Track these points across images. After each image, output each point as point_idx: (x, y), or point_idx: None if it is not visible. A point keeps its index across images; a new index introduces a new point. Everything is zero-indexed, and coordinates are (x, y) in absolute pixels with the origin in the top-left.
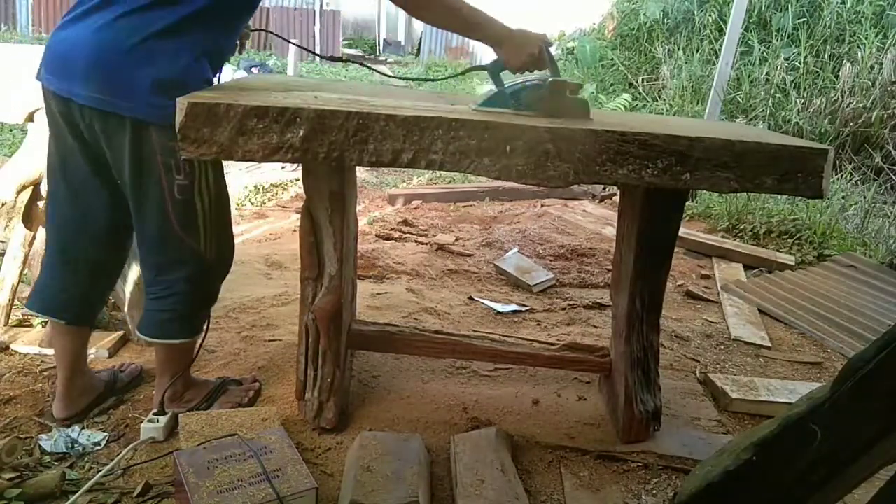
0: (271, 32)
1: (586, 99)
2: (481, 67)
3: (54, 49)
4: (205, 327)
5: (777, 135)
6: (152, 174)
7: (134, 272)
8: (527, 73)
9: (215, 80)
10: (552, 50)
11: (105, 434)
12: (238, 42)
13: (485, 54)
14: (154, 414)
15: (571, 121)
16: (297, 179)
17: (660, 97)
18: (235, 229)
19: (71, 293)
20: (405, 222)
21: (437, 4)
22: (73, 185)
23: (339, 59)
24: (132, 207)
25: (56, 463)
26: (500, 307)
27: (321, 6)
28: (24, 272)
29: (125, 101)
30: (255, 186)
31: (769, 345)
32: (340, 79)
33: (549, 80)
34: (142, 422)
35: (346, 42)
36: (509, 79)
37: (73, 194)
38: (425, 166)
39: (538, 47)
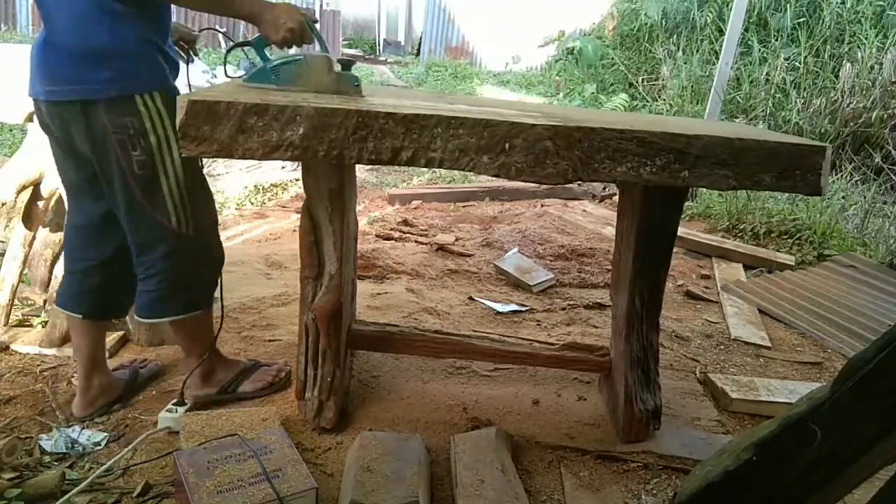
0: (220, 31)
1: (356, 75)
2: (245, 43)
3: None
4: (208, 308)
5: (776, 133)
6: (109, 152)
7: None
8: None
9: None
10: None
11: (105, 434)
12: (186, 46)
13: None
14: (173, 404)
15: (329, 97)
16: (297, 179)
17: (660, 97)
18: (235, 229)
19: (86, 290)
20: (405, 222)
21: None
22: (69, 184)
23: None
24: (105, 191)
25: (56, 463)
26: (500, 307)
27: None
28: (24, 272)
29: (69, 85)
30: (255, 186)
31: (769, 345)
32: None
33: (309, 55)
34: (141, 422)
35: (346, 42)
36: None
37: (72, 193)
38: (424, 164)
39: (298, 22)
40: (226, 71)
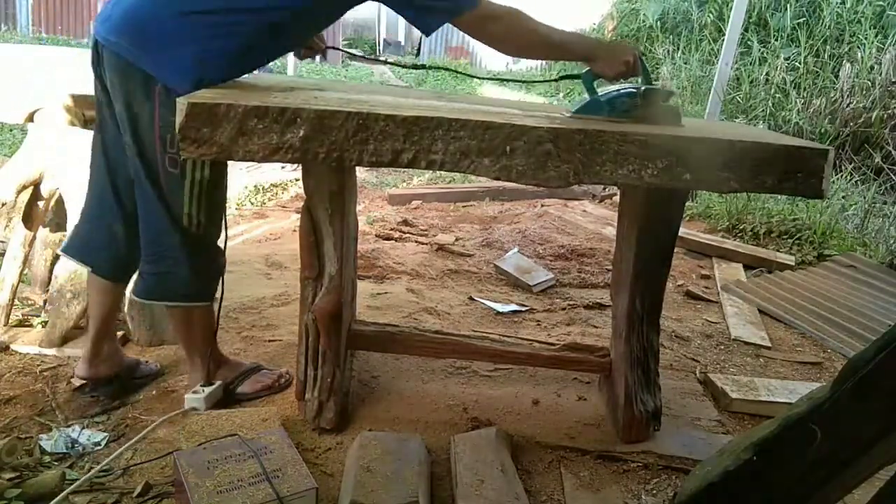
0: (341, 50)
1: (677, 107)
2: (575, 76)
3: (107, 6)
4: (210, 302)
5: (777, 135)
6: (148, 134)
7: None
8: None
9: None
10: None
11: (105, 434)
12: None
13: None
14: (201, 385)
15: (668, 128)
16: (297, 179)
17: None
18: (236, 229)
19: (105, 244)
20: (405, 222)
21: (535, 45)
22: (106, 136)
23: (380, 61)
24: (130, 165)
25: (56, 463)
26: (500, 307)
27: None
28: (24, 272)
29: (147, 54)
30: (255, 186)
31: (769, 345)
32: (341, 79)
33: (644, 88)
34: (142, 422)
35: (346, 42)
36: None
37: (105, 147)
38: (425, 166)
39: (633, 56)
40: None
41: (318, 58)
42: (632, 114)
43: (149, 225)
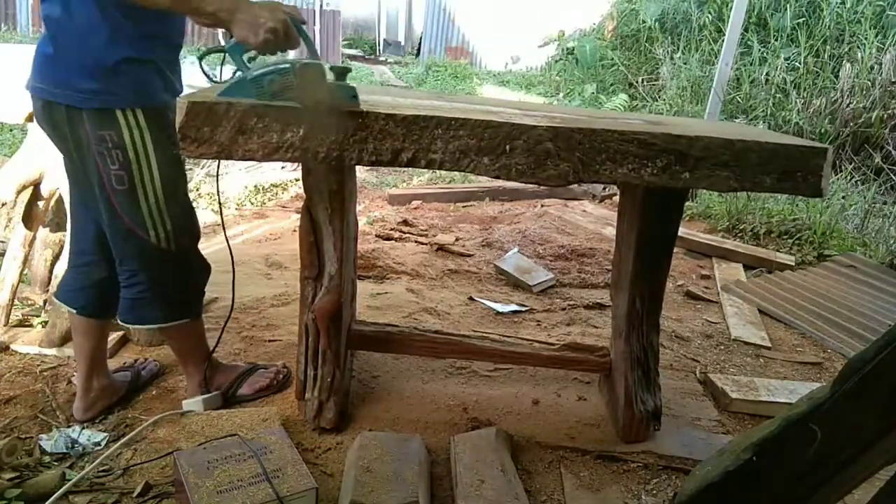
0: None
1: (353, 86)
2: (218, 49)
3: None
4: (194, 318)
5: (776, 134)
6: (90, 162)
7: None
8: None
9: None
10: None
11: (105, 434)
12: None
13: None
14: (200, 395)
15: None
16: (297, 179)
17: (659, 97)
18: (236, 229)
19: (88, 284)
20: (405, 222)
21: None
22: (73, 179)
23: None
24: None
25: (56, 463)
26: (500, 307)
27: (321, 6)
28: (24, 272)
29: (58, 88)
30: (255, 186)
31: (769, 345)
32: None
33: (300, 63)
34: (142, 422)
35: (346, 42)
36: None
37: (75, 187)
38: (425, 165)
39: (281, 21)
40: (206, 73)
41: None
42: (286, 95)
43: (115, 250)
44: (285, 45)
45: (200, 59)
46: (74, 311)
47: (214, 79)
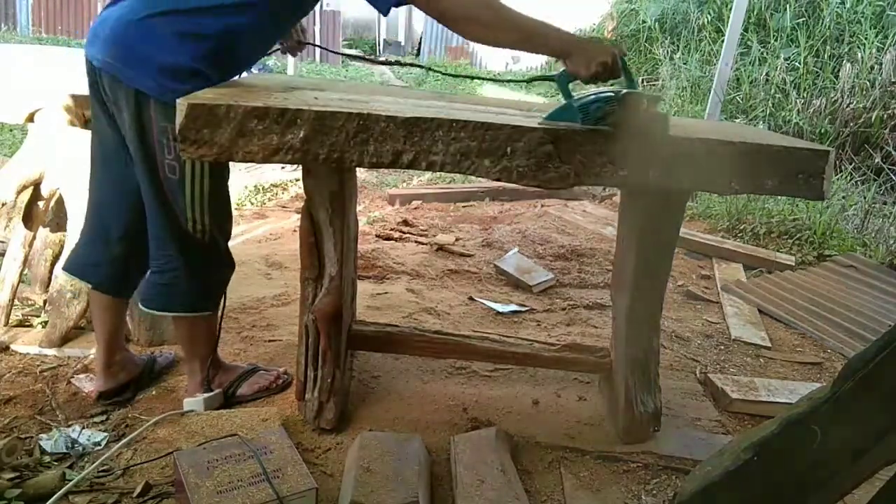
0: (320, 47)
1: (664, 113)
2: (548, 77)
3: (93, 25)
4: (214, 311)
5: (777, 135)
6: (149, 148)
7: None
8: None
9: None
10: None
11: (105, 434)
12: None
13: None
14: (201, 393)
15: (652, 137)
16: (297, 179)
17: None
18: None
19: (105, 260)
20: (405, 222)
21: (500, 28)
22: (105, 152)
23: (384, 62)
24: (138, 176)
25: (56, 463)
26: (500, 307)
27: (321, 6)
28: (24, 272)
29: (131, 70)
30: (255, 186)
31: (769, 345)
32: (341, 79)
33: (623, 92)
34: (142, 422)
35: (346, 42)
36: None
37: (105, 161)
38: (426, 168)
39: (612, 56)
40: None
41: (317, 58)
42: (608, 121)
43: (154, 233)
44: (611, 77)
45: (531, 80)
46: (90, 286)
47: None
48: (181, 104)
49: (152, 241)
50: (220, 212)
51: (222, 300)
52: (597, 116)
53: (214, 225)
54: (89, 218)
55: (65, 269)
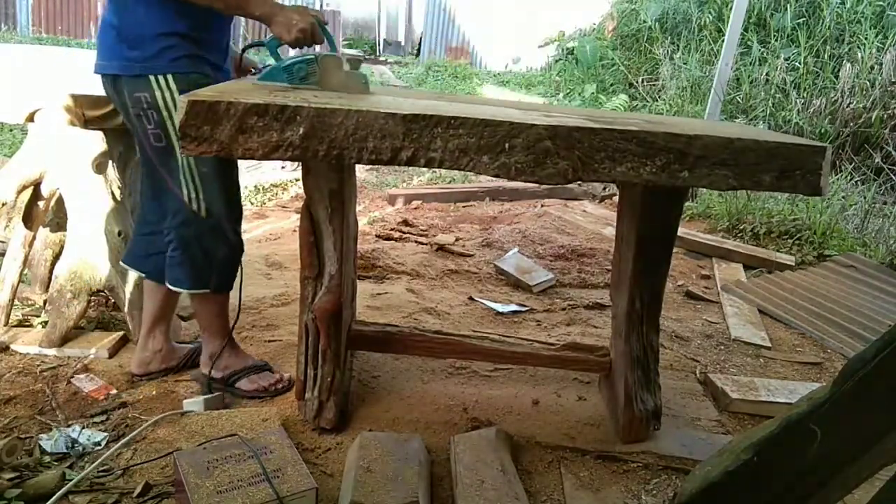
0: (259, 69)
1: (364, 74)
2: (258, 43)
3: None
4: (218, 292)
5: (776, 133)
6: (133, 124)
7: (133, 272)
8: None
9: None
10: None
11: (105, 434)
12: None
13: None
14: (202, 395)
15: (354, 95)
16: (297, 179)
17: (659, 97)
18: None
19: (153, 251)
20: (405, 222)
21: None
22: (140, 152)
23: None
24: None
25: (56, 463)
26: (500, 307)
27: (321, 6)
28: (24, 272)
29: (104, 60)
30: (255, 186)
31: (769, 345)
32: None
33: (322, 55)
34: (142, 422)
35: (346, 42)
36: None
37: (143, 162)
38: (424, 164)
39: (310, 22)
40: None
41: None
42: (311, 80)
43: (158, 209)
44: (312, 41)
45: (243, 50)
46: (144, 276)
47: (261, 65)
48: (181, 102)
49: (159, 214)
50: (216, 185)
51: (241, 292)
52: (300, 76)
53: (208, 196)
54: (137, 213)
55: (122, 261)
